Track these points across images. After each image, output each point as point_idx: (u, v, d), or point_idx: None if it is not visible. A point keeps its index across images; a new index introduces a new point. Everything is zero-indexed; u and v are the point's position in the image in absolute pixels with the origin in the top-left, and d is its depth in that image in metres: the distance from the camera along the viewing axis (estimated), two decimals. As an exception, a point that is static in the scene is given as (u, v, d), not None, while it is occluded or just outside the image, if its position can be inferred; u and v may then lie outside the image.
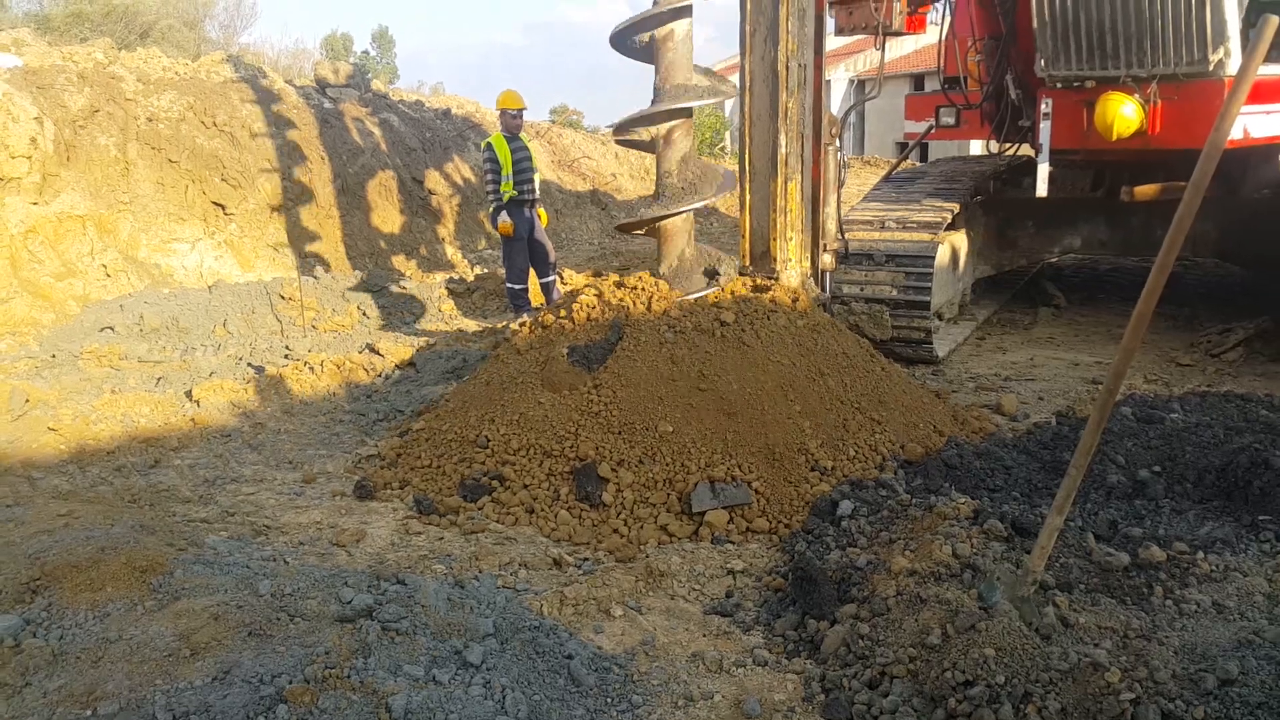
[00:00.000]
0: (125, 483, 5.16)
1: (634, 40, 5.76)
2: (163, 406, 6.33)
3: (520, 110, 9.09)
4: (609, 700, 3.02)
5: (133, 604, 3.01)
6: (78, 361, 7.50)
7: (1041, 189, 7.47)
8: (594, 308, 5.42)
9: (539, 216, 9.24)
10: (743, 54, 5.95)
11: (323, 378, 7.00)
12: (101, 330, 8.36)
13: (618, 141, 6.43)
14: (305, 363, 7.18)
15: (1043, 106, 7.37)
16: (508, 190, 8.82)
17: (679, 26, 5.61)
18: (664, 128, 5.71)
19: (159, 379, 7.11)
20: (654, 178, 6.00)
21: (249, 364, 7.54)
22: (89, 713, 2.44)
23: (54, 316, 8.67)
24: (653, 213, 5.78)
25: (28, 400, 6.20)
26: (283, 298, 9.19)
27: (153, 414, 6.22)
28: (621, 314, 5.28)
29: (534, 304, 9.15)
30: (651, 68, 5.77)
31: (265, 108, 12.10)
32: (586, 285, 5.79)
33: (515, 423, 4.97)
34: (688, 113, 5.73)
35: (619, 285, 5.61)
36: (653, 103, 5.69)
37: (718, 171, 5.92)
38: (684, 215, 5.78)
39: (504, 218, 8.86)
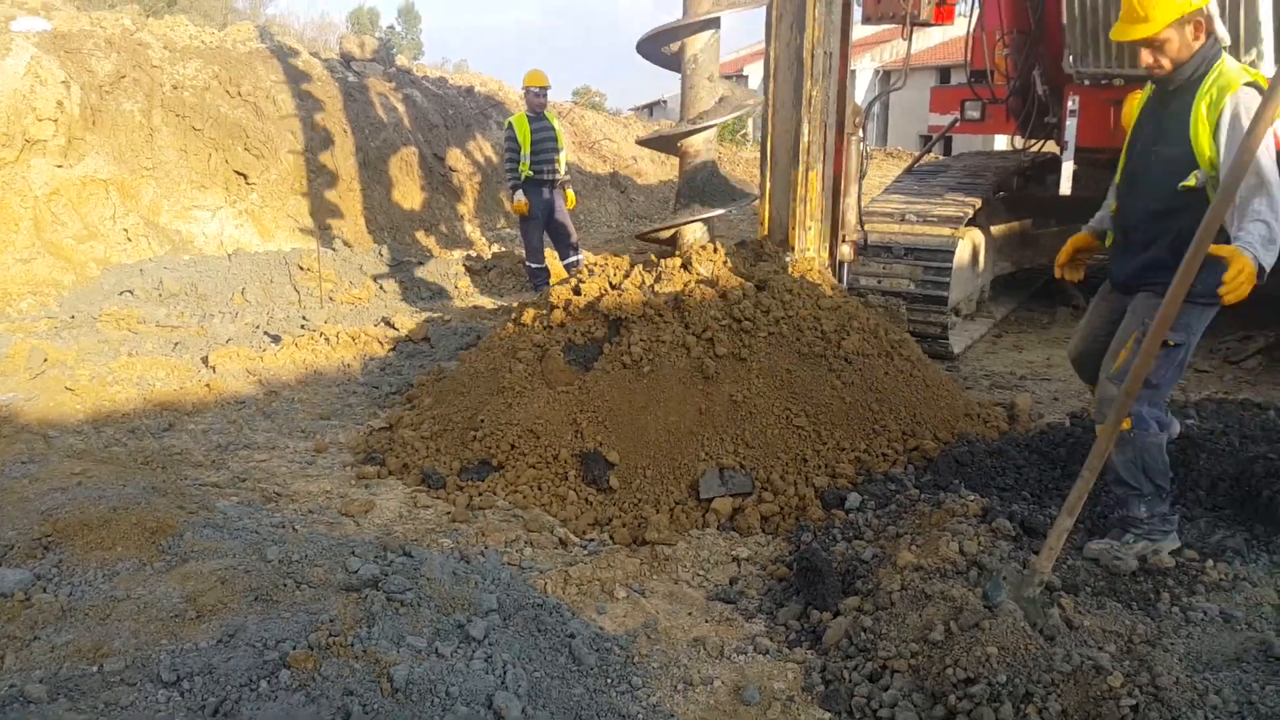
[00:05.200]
0: (139, 444, 5.20)
1: (661, 49, 5.80)
2: (179, 371, 6.38)
3: (543, 88, 9.07)
4: (609, 680, 3.03)
5: (142, 564, 3.04)
6: (96, 323, 7.56)
7: (1065, 187, 7.40)
8: (592, 297, 5.40)
9: (565, 197, 9.21)
10: (768, 40, 5.90)
11: (338, 349, 7.03)
12: (121, 293, 8.42)
13: (641, 144, 6.51)
14: (321, 333, 7.21)
15: (1070, 103, 7.30)
16: (525, 170, 8.81)
17: (706, 37, 5.64)
18: (688, 139, 5.76)
19: (176, 344, 7.15)
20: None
21: (265, 333, 7.58)
22: (95, 669, 2.47)
23: (74, 278, 8.73)
24: (672, 220, 5.84)
25: (46, 359, 6.25)
26: (301, 269, 9.22)
27: (168, 378, 6.27)
28: (620, 306, 5.22)
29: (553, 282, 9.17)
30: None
31: (290, 79, 12.12)
32: (582, 271, 5.75)
33: (512, 420, 4.94)
34: (708, 130, 5.81)
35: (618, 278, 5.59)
36: (680, 115, 5.77)
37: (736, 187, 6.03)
38: (701, 225, 5.84)
39: (519, 197, 8.88)
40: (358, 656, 2.54)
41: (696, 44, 5.66)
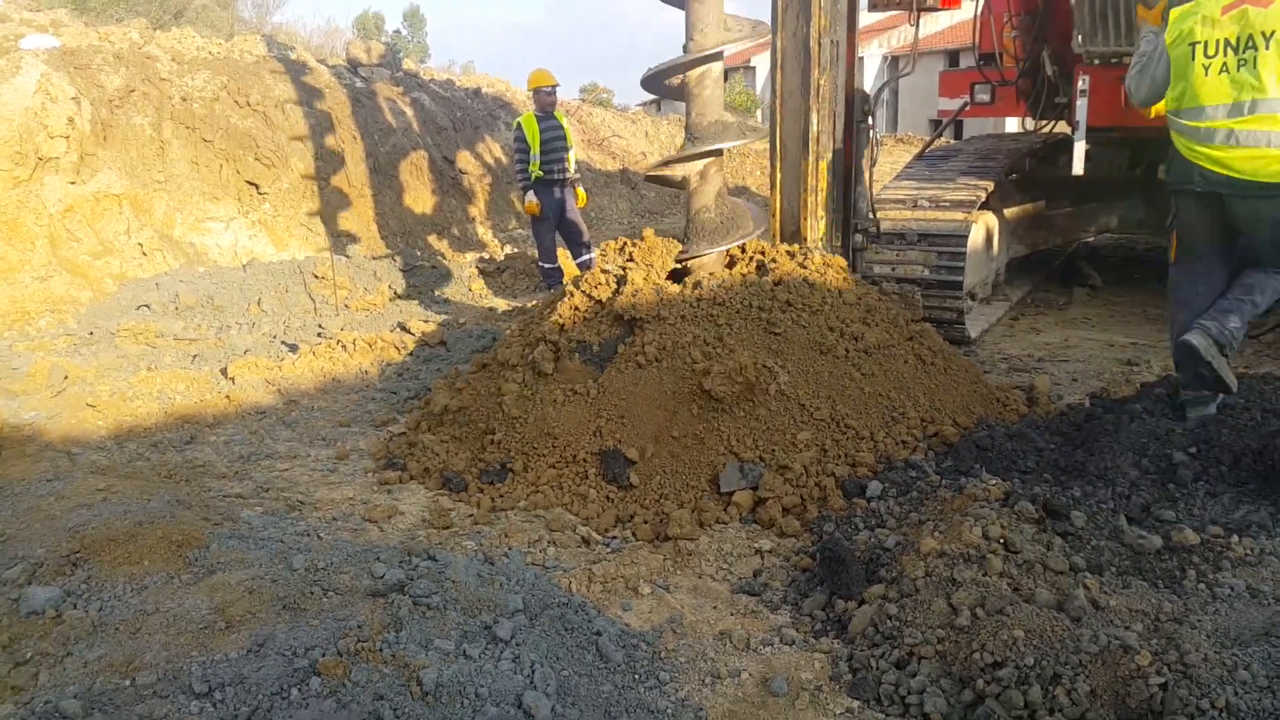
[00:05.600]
0: (162, 458, 5.25)
1: (665, 83, 5.68)
2: (198, 384, 6.42)
3: (553, 87, 9.07)
4: (637, 676, 3.04)
5: (169, 577, 3.07)
6: (115, 339, 7.62)
7: (1078, 167, 7.35)
8: (595, 299, 5.37)
9: (575, 196, 9.22)
10: (775, 31, 5.89)
11: (355, 356, 7.07)
12: (138, 308, 8.49)
13: (649, 180, 6.34)
14: (338, 341, 7.25)
15: (1080, 83, 7.24)
16: (535, 170, 8.82)
17: (711, 69, 5.52)
18: (697, 166, 5.64)
19: (194, 356, 7.21)
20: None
21: (283, 342, 7.62)
22: (128, 683, 2.49)
23: (91, 294, 8.81)
24: (688, 254, 5.72)
25: (66, 377, 6.31)
26: (316, 276, 9.27)
27: (188, 391, 6.31)
28: (634, 306, 5.19)
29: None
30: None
31: (298, 87, 12.18)
32: (586, 276, 5.70)
33: (530, 422, 4.95)
34: (719, 152, 5.67)
35: (628, 260, 5.50)
36: (685, 143, 5.65)
37: (748, 212, 5.83)
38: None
39: (530, 197, 8.89)
40: (387, 661, 2.56)
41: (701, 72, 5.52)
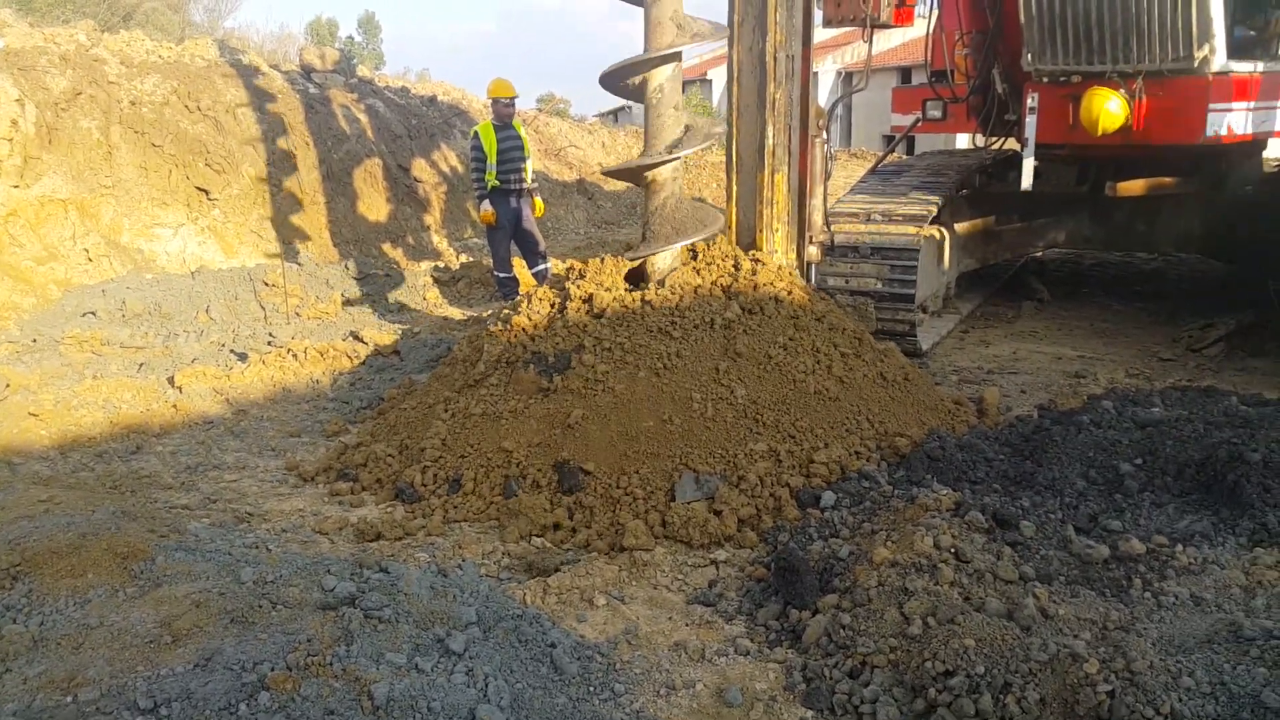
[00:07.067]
0: (107, 469, 5.13)
1: (623, 82, 5.72)
2: (145, 393, 6.29)
3: (511, 99, 9.05)
4: (591, 689, 3.03)
5: (114, 590, 3.00)
6: (59, 347, 7.45)
7: (1026, 183, 7.50)
8: (550, 310, 5.38)
9: (532, 206, 9.20)
10: (731, 45, 5.93)
11: (306, 365, 6.97)
12: (83, 315, 8.30)
13: (608, 174, 6.38)
14: (289, 350, 7.14)
15: (1029, 101, 7.40)
16: (491, 179, 8.79)
17: (668, 70, 5.54)
18: (655, 170, 5.68)
19: (141, 365, 7.06)
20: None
21: (232, 350, 7.50)
22: (69, 699, 2.43)
23: (35, 301, 8.60)
24: (641, 251, 5.74)
25: (8, 385, 6.15)
26: (266, 284, 9.13)
27: (135, 400, 6.18)
28: (589, 317, 5.18)
29: (524, 291, 9.15)
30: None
31: (250, 93, 12.00)
32: (538, 289, 5.71)
33: (485, 432, 4.92)
34: (675, 161, 5.72)
35: (579, 276, 5.53)
36: (644, 147, 5.69)
37: (713, 212, 5.85)
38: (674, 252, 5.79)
39: (485, 206, 8.86)
40: (337, 676, 2.52)
41: (659, 76, 5.53)
